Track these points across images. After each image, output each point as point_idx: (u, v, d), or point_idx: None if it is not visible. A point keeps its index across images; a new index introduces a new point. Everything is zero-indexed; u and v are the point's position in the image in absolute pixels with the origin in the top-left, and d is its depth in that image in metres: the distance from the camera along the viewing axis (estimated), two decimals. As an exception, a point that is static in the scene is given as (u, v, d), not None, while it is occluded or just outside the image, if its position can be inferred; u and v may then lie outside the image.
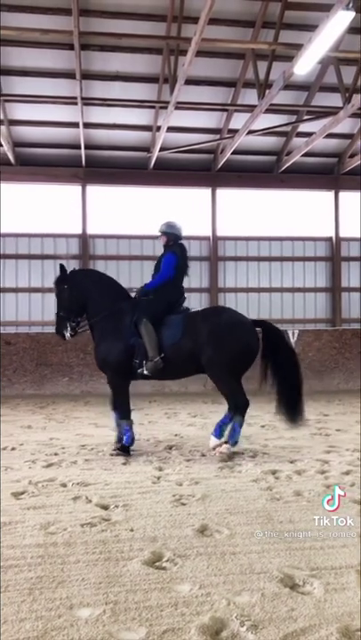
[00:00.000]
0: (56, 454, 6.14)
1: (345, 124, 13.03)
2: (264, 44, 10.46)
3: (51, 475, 5.21)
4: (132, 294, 6.55)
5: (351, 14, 7.43)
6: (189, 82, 10.89)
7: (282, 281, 15.13)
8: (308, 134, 13.14)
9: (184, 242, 6.75)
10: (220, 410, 7.28)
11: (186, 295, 6.64)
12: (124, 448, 6.13)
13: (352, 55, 10.56)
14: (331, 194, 15.20)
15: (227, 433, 6.07)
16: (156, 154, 13.38)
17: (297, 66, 9.11)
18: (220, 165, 14.24)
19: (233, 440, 5.98)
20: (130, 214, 14.39)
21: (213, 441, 6.11)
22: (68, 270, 6.66)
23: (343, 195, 15.19)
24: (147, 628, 2.59)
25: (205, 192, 14.79)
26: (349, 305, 15.30)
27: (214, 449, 6.05)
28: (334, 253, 15.21)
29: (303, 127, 13.39)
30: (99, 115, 12.86)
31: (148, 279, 6.74)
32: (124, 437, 6.17)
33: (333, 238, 15.20)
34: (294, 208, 15.09)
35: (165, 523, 3.90)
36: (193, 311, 6.43)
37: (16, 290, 14.14)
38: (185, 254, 6.54)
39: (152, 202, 14.29)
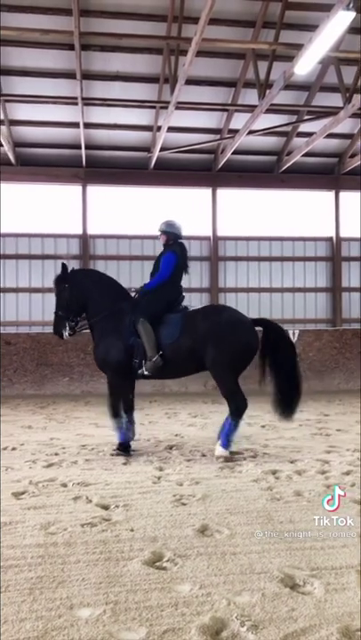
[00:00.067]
0: (56, 454, 6.15)
1: (345, 124, 13.02)
2: (264, 44, 10.45)
3: (51, 475, 5.21)
4: (132, 294, 6.55)
5: (352, 14, 7.43)
6: (190, 82, 10.89)
7: (282, 281, 15.13)
8: (309, 134, 13.13)
9: (184, 241, 6.75)
10: (221, 410, 7.29)
11: (186, 294, 6.63)
12: (125, 448, 6.14)
13: (352, 55, 10.55)
14: (331, 194, 15.20)
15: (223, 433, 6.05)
16: (156, 154, 13.38)
17: (297, 66, 9.10)
18: (220, 165, 14.24)
19: (226, 441, 5.89)
20: (130, 214, 14.39)
21: (220, 451, 5.92)
22: (69, 270, 6.67)
23: (344, 195, 15.18)
24: (147, 628, 2.59)
25: (206, 192, 14.79)
26: (350, 305, 15.29)
27: (218, 459, 5.87)
28: (335, 253, 15.21)
29: (304, 127, 13.39)
30: (99, 115, 12.87)
31: (148, 279, 6.73)
32: (119, 435, 6.20)
33: (334, 238, 15.20)
34: (295, 208, 15.08)
35: (166, 523, 3.90)
36: (192, 310, 6.42)
37: (16, 290, 14.15)
38: (185, 253, 6.53)
39: (152, 202, 14.29)
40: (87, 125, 12.79)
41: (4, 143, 12.58)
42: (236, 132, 12.80)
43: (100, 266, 13.95)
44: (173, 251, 6.43)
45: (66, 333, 6.49)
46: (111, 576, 3.10)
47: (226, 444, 5.87)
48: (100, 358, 6.39)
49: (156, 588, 2.96)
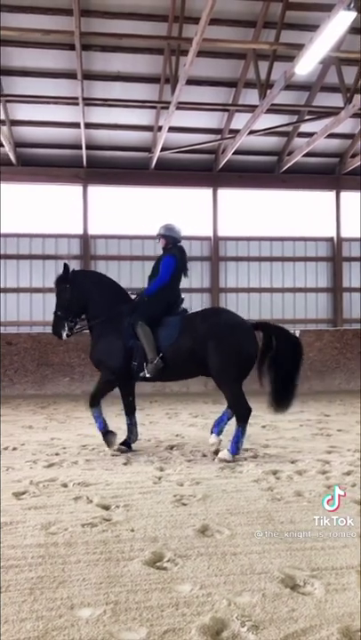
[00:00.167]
0: (57, 454, 6.15)
1: (346, 125, 13.02)
2: (265, 44, 10.46)
3: (52, 475, 5.21)
4: (133, 296, 6.55)
5: (352, 14, 7.43)
6: (190, 82, 10.89)
7: (283, 281, 15.13)
8: (310, 134, 13.13)
9: (185, 242, 6.74)
10: (222, 410, 7.28)
11: (186, 296, 6.64)
12: (104, 434, 6.22)
13: (353, 55, 10.54)
14: (332, 194, 15.20)
15: (226, 437, 6.07)
16: (157, 154, 13.39)
17: (298, 66, 9.10)
18: (221, 165, 14.24)
19: (235, 448, 5.89)
20: (131, 214, 14.39)
21: (213, 438, 6.16)
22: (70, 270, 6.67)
23: (344, 195, 15.18)
24: (147, 628, 2.59)
25: (207, 192, 14.79)
26: (351, 305, 15.28)
27: (213, 446, 6.11)
28: (336, 253, 15.21)
29: (304, 127, 13.39)
30: (100, 115, 12.87)
31: (149, 279, 6.73)
32: (97, 424, 6.28)
33: (335, 238, 15.19)
34: (296, 208, 15.08)
35: (166, 523, 3.90)
36: (191, 312, 6.43)
37: (17, 290, 14.16)
38: (184, 257, 6.52)
39: (153, 202, 14.30)
40: (88, 125, 12.79)
41: (4, 143, 12.59)
42: (236, 132, 12.80)
43: (100, 266, 13.98)
44: (173, 254, 6.42)
45: (64, 334, 6.50)
46: (112, 576, 3.10)
47: (235, 451, 5.85)
48: (96, 359, 6.42)
49: (157, 588, 2.96)
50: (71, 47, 10.46)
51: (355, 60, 10.79)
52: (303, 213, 15.08)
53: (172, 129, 12.40)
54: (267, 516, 4.01)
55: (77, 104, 11.57)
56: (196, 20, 9.01)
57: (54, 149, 13.93)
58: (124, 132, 13.64)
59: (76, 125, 12.67)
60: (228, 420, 6.24)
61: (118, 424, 6.90)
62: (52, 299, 6.78)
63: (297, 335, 6.72)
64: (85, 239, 14.35)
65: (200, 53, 9.59)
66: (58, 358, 12.27)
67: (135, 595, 2.88)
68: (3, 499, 4.44)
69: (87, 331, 6.69)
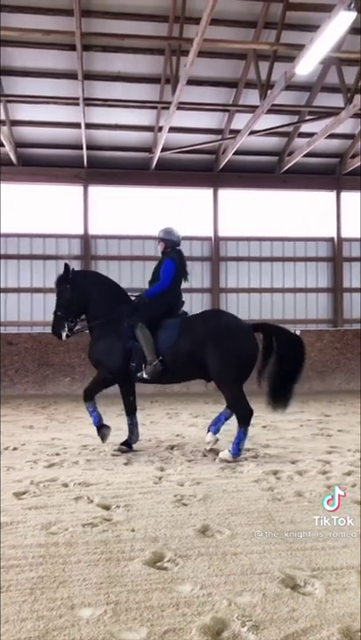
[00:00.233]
0: (58, 454, 6.15)
1: (347, 125, 13.03)
2: (266, 45, 10.46)
3: (52, 475, 5.22)
4: (133, 298, 6.56)
5: (353, 15, 7.43)
6: (191, 82, 10.89)
7: (283, 281, 15.12)
8: (310, 135, 13.13)
9: (186, 242, 6.75)
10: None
11: (186, 296, 6.64)
12: (99, 428, 6.28)
13: (354, 56, 10.54)
14: (332, 194, 15.20)
15: (225, 437, 6.08)
16: (157, 154, 13.39)
17: (299, 66, 9.10)
18: (221, 166, 14.23)
19: (237, 449, 5.88)
20: (132, 215, 14.39)
21: (209, 437, 6.20)
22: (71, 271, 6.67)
23: (345, 195, 15.17)
24: (148, 628, 2.59)
25: (207, 192, 14.79)
26: (351, 305, 15.28)
27: (209, 444, 6.16)
28: (336, 254, 15.20)
29: (305, 127, 13.39)
30: (100, 115, 12.87)
31: (149, 279, 6.73)
32: (92, 418, 6.34)
33: (335, 239, 15.19)
34: (296, 208, 15.07)
35: (167, 523, 3.90)
36: (191, 315, 6.43)
37: (18, 290, 14.16)
38: (183, 260, 6.52)
39: (154, 202, 14.30)
40: (88, 126, 12.79)
41: (5, 143, 12.59)
42: (237, 132, 12.80)
43: (101, 266, 13.98)
44: (172, 258, 6.43)
45: (64, 334, 6.51)
46: (112, 576, 3.10)
47: (236, 452, 5.85)
48: (95, 359, 6.43)
49: (157, 588, 2.96)
50: (72, 47, 10.45)
51: (355, 61, 10.79)
52: (304, 214, 15.08)
53: (172, 129, 12.40)
54: (267, 517, 4.01)
55: (78, 104, 11.57)
56: (196, 21, 9.01)
57: (55, 149, 13.93)
58: (125, 133, 13.64)
59: (77, 125, 12.67)
60: (226, 419, 6.25)
61: (119, 424, 6.91)
62: (52, 299, 6.79)
63: (298, 334, 6.71)
64: (86, 239, 14.36)
65: (201, 54, 9.59)
66: (58, 358, 12.28)
67: (136, 595, 2.88)
68: (3, 499, 4.45)
69: (87, 331, 6.69)
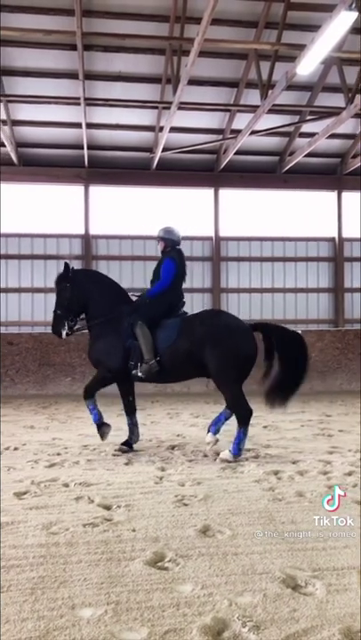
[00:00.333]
0: (58, 454, 6.15)
1: (348, 125, 13.03)
2: (267, 45, 10.45)
3: (53, 475, 5.22)
4: (134, 298, 6.56)
5: (354, 15, 7.42)
6: (192, 82, 10.89)
7: (284, 281, 15.12)
8: (311, 135, 13.13)
9: (187, 242, 6.75)
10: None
11: (187, 296, 6.64)
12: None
13: (355, 55, 10.52)
14: (333, 194, 15.19)
15: (225, 437, 6.06)
16: (158, 154, 13.39)
17: (300, 66, 9.10)
18: (222, 166, 14.24)
19: (237, 449, 5.88)
20: (132, 215, 14.40)
21: (209, 437, 6.17)
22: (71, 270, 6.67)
23: (346, 195, 15.17)
24: (148, 628, 2.59)
25: (208, 192, 14.79)
26: (352, 305, 15.28)
27: (209, 444, 6.13)
28: (337, 254, 15.20)
29: (306, 127, 13.38)
30: (101, 115, 12.88)
31: (149, 279, 6.73)
32: (92, 416, 6.36)
33: (336, 239, 15.19)
34: (297, 208, 15.07)
35: (167, 523, 3.90)
36: (190, 315, 6.42)
37: (19, 290, 14.17)
38: (183, 259, 6.52)
39: (155, 202, 14.31)
40: (89, 126, 12.80)
41: (6, 143, 12.60)
42: (238, 132, 12.80)
43: (102, 266, 13.98)
44: (172, 257, 6.43)
45: (64, 333, 6.51)
46: (113, 576, 3.10)
47: (236, 452, 5.85)
48: (95, 358, 6.43)
49: (158, 588, 2.96)
50: (73, 47, 10.44)
51: (356, 61, 10.77)
52: (305, 213, 15.08)
53: (173, 129, 12.40)
54: (268, 517, 4.01)
55: (79, 104, 11.57)
56: (197, 21, 9.01)
57: (56, 149, 13.94)
58: (126, 133, 13.64)
59: (78, 125, 12.68)
60: (226, 419, 6.24)
61: (119, 424, 6.91)
62: (53, 299, 6.79)
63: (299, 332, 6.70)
64: (87, 239, 14.36)
65: (202, 53, 9.59)
66: (59, 358, 12.28)
67: (136, 595, 2.88)
68: (4, 499, 4.45)
69: (87, 331, 6.69)
